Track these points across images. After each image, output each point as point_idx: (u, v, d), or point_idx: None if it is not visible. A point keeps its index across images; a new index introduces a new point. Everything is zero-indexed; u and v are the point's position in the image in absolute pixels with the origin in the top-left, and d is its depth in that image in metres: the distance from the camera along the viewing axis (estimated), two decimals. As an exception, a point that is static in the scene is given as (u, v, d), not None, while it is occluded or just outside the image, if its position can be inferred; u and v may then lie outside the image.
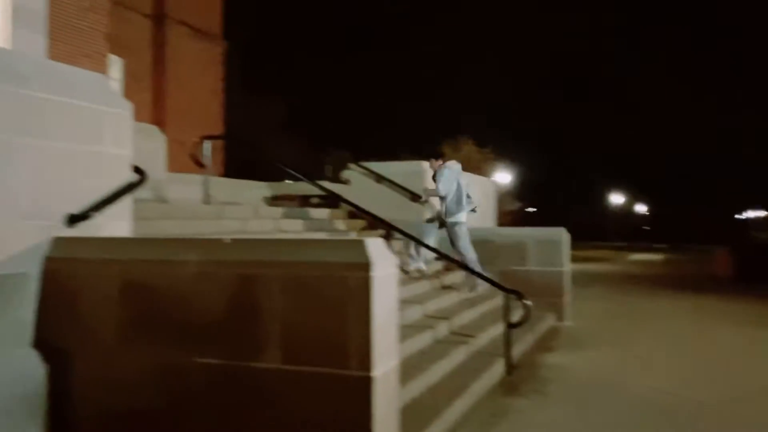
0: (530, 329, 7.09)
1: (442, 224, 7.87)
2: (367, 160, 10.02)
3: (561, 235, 9.09)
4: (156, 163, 9.16)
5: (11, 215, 3.43)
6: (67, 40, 11.01)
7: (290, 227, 7.83)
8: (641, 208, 65.06)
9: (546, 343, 7.50)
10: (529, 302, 6.04)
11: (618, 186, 56.48)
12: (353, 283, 3.02)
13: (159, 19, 15.87)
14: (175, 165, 10.78)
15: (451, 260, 7.30)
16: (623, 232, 54.44)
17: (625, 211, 59.65)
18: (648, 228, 62.83)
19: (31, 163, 3.54)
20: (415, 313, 6.15)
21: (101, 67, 11.76)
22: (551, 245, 9.02)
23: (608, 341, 7.68)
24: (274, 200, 11.45)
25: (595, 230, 49.92)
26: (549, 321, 8.45)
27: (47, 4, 10.44)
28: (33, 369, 3.45)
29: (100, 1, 11.59)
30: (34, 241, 3.56)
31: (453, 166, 8.05)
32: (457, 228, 7.78)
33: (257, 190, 12.01)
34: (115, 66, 14.21)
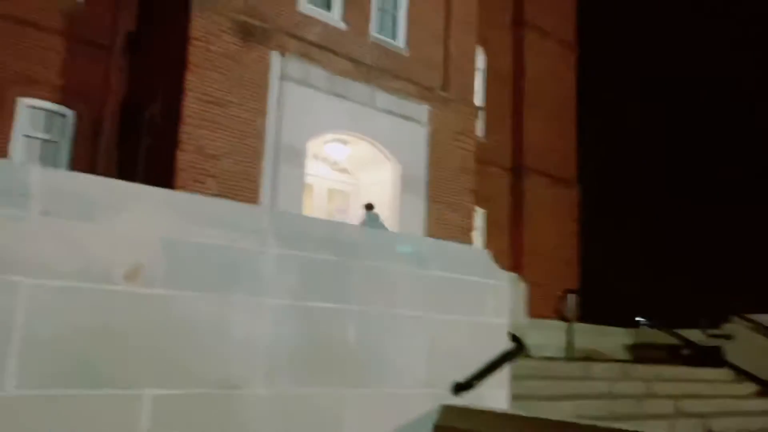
0: None
1: None
2: (754, 311, 8.67)
3: None
4: (517, 309, 9.45)
5: (412, 384, 3.80)
6: (441, 199, 12.59)
7: (663, 390, 7.02)
8: None
9: None
10: None
11: None
12: None
13: (518, 171, 17.09)
14: (532, 307, 10.99)
15: None
16: None
17: None
18: None
19: (429, 335, 3.92)
20: None
21: (468, 220, 13.02)
22: None
23: None
24: (636, 349, 10.68)
25: None
26: None
27: (427, 171, 12.22)
28: None
29: (469, 162, 13.07)
30: (427, 408, 3.84)
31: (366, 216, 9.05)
32: None
33: (616, 337, 11.32)
34: (479, 216, 15.58)
